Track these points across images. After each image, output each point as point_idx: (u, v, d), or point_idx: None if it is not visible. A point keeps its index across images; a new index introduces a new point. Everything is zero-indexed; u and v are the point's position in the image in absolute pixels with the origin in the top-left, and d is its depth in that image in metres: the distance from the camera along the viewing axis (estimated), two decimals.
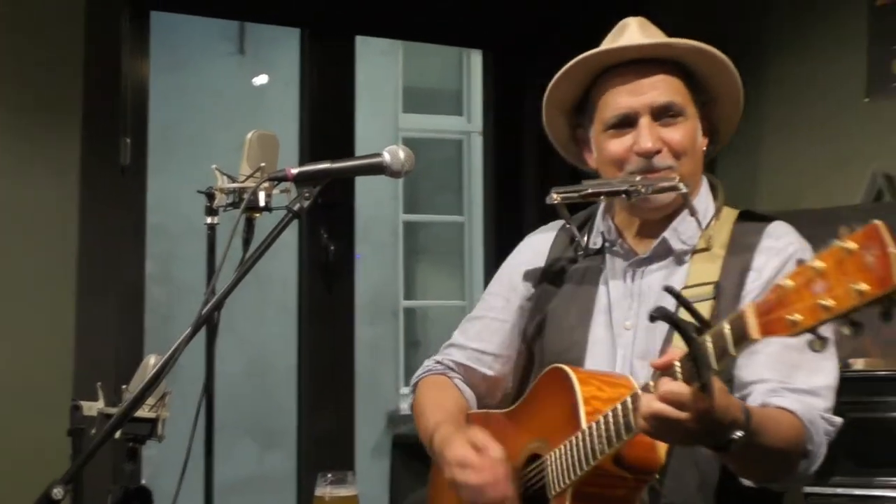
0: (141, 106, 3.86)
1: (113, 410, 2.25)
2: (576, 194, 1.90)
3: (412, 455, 5.59)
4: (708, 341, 1.47)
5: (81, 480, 2.10)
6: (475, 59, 6.20)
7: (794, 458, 1.72)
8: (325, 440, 4.05)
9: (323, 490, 2.05)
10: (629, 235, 1.95)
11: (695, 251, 1.87)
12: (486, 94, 4.75)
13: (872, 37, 4.24)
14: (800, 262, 1.34)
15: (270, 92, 6.30)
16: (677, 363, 1.52)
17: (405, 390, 6.84)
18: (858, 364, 4.03)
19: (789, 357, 1.73)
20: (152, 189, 3.95)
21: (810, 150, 4.35)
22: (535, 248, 2.08)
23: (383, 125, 6.51)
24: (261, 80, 6.36)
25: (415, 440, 6.28)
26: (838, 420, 1.77)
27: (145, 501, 2.23)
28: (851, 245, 1.31)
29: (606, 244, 1.97)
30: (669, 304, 1.80)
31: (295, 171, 1.85)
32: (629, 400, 1.63)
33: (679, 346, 1.53)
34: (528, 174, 4.46)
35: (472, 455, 1.82)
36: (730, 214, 1.92)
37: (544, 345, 1.98)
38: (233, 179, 2.62)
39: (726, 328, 1.45)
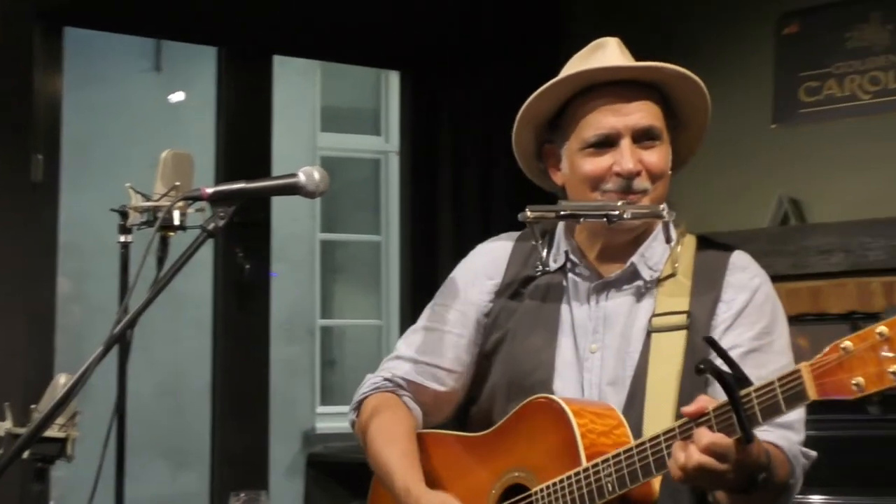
0: (53, 122, 3.82)
1: (21, 430, 2.23)
2: (552, 214, 1.87)
3: (327, 475, 5.57)
4: (755, 396, 1.52)
5: None
6: (393, 79, 6.23)
7: (782, 492, 1.75)
8: (238, 460, 4.02)
9: None
10: (591, 256, 1.94)
11: (661, 277, 1.88)
12: (402, 114, 4.78)
13: (779, 65, 4.36)
14: (855, 327, 1.44)
15: (187, 109, 6.26)
16: (711, 412, 1.56)
17: (321, 409, 6.82)
18: None
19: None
20: (65, 206, 3.91)
21: (719, 174, 4.45)
22: (492, 260, 2.01)
23: (301, 144, 6.50)
24: (177, 97, 6.31)
25: (330, 460, 6.24)
26: (813, 453, 1.81)
27: None
28: None
29: (568, 264, 1.95)
30: (639, 329, 1.84)
31: (210, 190, 1.84)
32: (647, 442, 1.65)
33: (704, 393, 1.61)
34: (444, 194, 4.49)
35: None
36: (689, 240, 1.93)
37: (506, 364, 1.93)
38: (147, 198, 2.62)
39: (777, 386, 1.50)
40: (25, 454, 2.14)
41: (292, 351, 6.49)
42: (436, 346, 1.99)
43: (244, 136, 4.17)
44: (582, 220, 1.85)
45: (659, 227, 1.92)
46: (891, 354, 1.37)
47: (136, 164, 5.48)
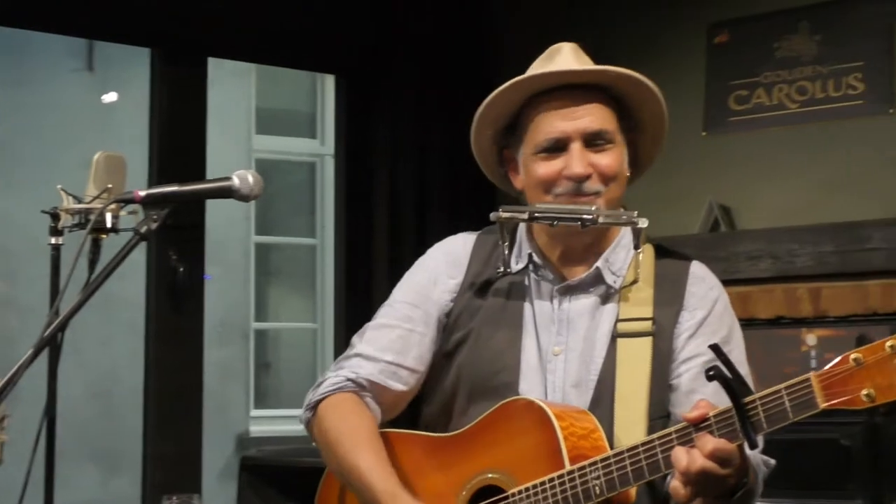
0: None
1: None
2: (525, 215, 1.87)
3: (261, 478, 5.54)
4: (760, 404, 1.57)
5: None
6: (329, 82, 6.23)
7: (749, 500, 1.77)
8: (171, 463, 4.00)
9: None
10: (554, 259, 1.94)
11: (624, 283, 1.90)
12: (338, 117, 4.78)
13: (710, 73, 4.43)
14: (862, 341, 1.50)
15: (120, 110, 6.21)
16: (713, 417, 1.60)
17: (255, 412, 6.79)
18: None
19: (724, 399, 1.73)
20: None
21: (650, 181, 4.46)
22: (453, 258, 1.99)
23: (236, 147, 6.47)
24: (110, 98, 6.25)
25: (264, 463, 6.22)
26: (773, 462, 1.85)
27: None
28: None
29: (531, 265, 1.95)
30: (603, 333, 1.87)
31: (143, 193, 1.83)
32: (641, 447, 1.67)
33: (710, 398, 1.65)
34: (380, 198, 4.50)
35: None
36: (648, 248, 1.94)
37: (468, 364, 1.92)
38: (79, 200, 2.60)
39: (784, 394, 1.55)
40: None
41: (226, 354, 6.45)
42: (399, 344, 1.94)
43: (178, 138, 4.14)
44: (556, 223, 1.85)
45: (622, 233, 1.94)
46: None
47: (66, 165, 5.43)
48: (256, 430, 6.67)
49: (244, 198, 1.88)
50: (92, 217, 2.60)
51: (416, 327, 1.95)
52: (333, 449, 1.89)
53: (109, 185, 2.62)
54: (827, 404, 1.52)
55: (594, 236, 1.92)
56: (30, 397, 2.77)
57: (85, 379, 5.85)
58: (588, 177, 1.87)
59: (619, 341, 1.85)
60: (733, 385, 1.58)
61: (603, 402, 1.82)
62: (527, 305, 1.92)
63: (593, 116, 1.89)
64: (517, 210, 1.87)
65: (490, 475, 1.81)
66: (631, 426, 1.77)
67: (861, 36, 4.14)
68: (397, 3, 4.51)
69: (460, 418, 1.90)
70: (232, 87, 6.44)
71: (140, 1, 4.01)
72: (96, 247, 2.56)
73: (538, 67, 1.96)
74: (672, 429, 1.65)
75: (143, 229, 1.81)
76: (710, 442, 1.58)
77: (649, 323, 1.84)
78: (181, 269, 4.02)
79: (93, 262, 2.47)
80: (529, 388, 1.87)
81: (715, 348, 1.64)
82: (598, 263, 1.91)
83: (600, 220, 1.83)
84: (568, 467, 1.72)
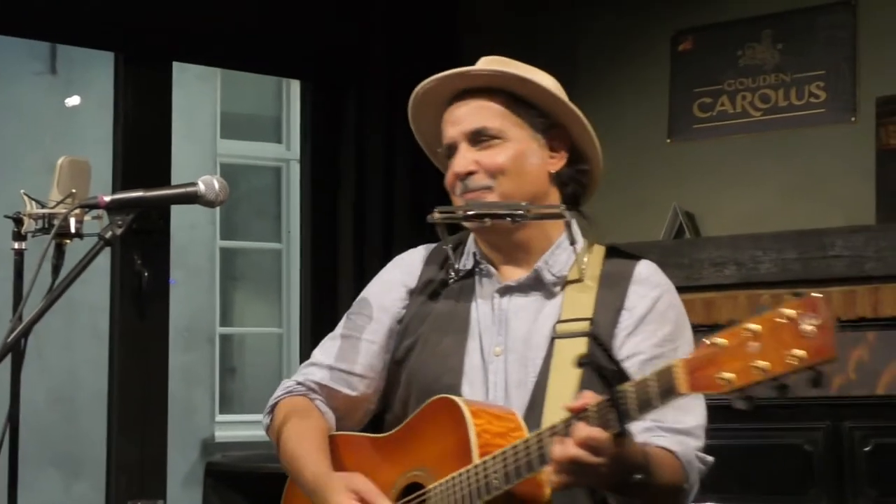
0: None
1: None
2: (459, 214, 1.90)
3: (226, 483, 5.52)
4: (631, 392, 1.55)
5: None
6: (294, 87, 6.21)
7: (674, 497, 1.78)
8: (135, 468, 3.97)
9: None
10: (497, 261, 1.97)
11: (567, 282, 1.91)
12: (303, 122, 4.78)
13: (675, 81, 4.46)
14: (731, 323, 1.44)
15: (83, 114, 6.16)
16: (592, 408, 1.59)
17: (220, 417, 6.76)
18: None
19: None
20: None
21: (615, 187, 4.51)
22: (406, 268, 2.05)
23: (201, 151, 6.44)
24: (73, 101, 6.20)
25: (229, 468, 6.21)
26: (710, 459, 1.84)
27: None
28: (790, 312, 1.39)
29: (477, 268, 1.98)
30: (543, 335, 1.87)
31: (107, 198, 1.82)
32: (533, 439, 1.68)
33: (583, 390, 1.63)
34: (346, 202, 4.50)
35: None
36: (599, 249, 1.96)
37: (416, 369, 1.96)
38: (42, 205, 2.58)
39: (652, 380, 1.53)
40: None
41: (191, 358, 6.42)
42: (348, 352, 2.01)
43: (143, 142, 4.12)
44: (487, 221, 1.88)
45: (563, 235, 1.94)
46: (758, 350, 1.40)
47: (28, 169, 5.38)
48: (221, 435, 6.63)
49: (210, 203, 1.88)
50: (56, 222, 2.58)
51: (366, 336, 2.00)
52: (282, 446, 1.97)
53: (73, 190, 2.60)
54: (689, 389, 1.49)
55: (530, 235, 1.93)
56: None
57: (47, 384, 5.81)
58: (471, 173, 1.91)
59: (557, 342, 1.86)
60: (605, 373, 1.59)
61: (538, 403, 1.84)
62: (473, 308, 1.95)
63: (474, 116, 1.93)
64: (451, 210, 1.91)
65: (415, 472, 1.85)
66: None
67: (823, 45, 4.19)
68: (365, 8, 4.51)
69: None
70: (196, 91, 6.41)
71: (104, 4, 3.99)
72: (60, 252, 2.54)
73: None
74: (561, 420, 1.65)
75: (108, 235, 1.80)
76: (582, 430, 1.58)
77: (587, 323, 1.85)
78: (146, 274, 3.99)
79: (56, 268, 2.46)
80: (472, 389, 1.89)
81: (592, 335, 1.67)
82: (538, 264, 1.93)
83: (527, 214, 1.86)
84: (475, 462, 1.74)
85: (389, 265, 2.09)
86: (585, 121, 1.95)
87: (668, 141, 4.47)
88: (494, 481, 1.71)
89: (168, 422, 4.07)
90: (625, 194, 4.50)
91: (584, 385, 1.80)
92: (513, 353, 1.89)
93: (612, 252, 1.96)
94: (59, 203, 2.59)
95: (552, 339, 1.87)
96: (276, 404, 2.03)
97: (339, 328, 2.05)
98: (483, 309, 1.94)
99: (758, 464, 3.85)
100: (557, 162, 1.95)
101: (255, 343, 7.16)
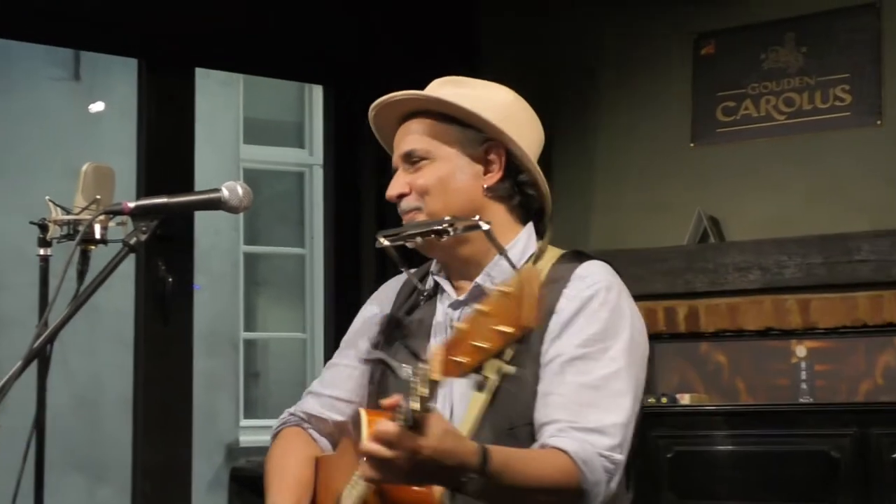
0: None
1: None
2: (396, 236, 1.93)
3: (250, 489, 5.54)
4: (415, 381, 1.53)
5: None
6: (316, 91, 6.22)
7: (565, 498, 1.73)
8: (159, 473, 3.98)
9: None
10: (453, 277, 1.99)
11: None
12: (326, 127, 4.78)
13: (697, 85, 4.44)
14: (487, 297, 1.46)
15: (106, 120, 6.19)
16: (401, 403, 1.58)
17: (244, 422, 6.78)
18: (685, 399, 4.19)
19: (583, 396, 1.76)
20: None
21: (638, 193, 4.51)
22: (385, 294, 2.11)
23: (224, 157, 6.46)
24: (97, 107, 6.23)
25: (253, 473, 6.20)
26: (619, 458, 1.76)
27: None
28: (508, 290, 1.43)
29: (438, 287, 2.01)
30: None
31: (132, 205, 1.82)
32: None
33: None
34: (368, 207, 4.50)
35: None
36: (552, 255, 1.95)
37: (384, 388, 1.99)
38: (67, 211, 2.59)
39: (421, 370, 1.52)
40: None
41: (215, 364, 6.44)
42: (335, 379, 2.07)
43: (166, 148, 4.13)
44: (419, 239, 1.91)
45: (509, 245, 1.94)
46: (483, 330, 1.44)
47: (52, 175, 5.41)
48: (246, 440, 6.65)
49: (233, 209, 1.88)
50: (81, 228, 2.58)
51: (350, 362, 2.07)
52: (265, 478, 2.05)
53: (98, 197, 2.61)
54: (438, 375, 1.49)
55: (475, 250, 1.94)
56: (17, 408, 2.76)
57: (72, 389, 5.83)
58: (403, 195, 1.95)
59: None
60: (391, 364, 1.60)
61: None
62: (433, 325, 1.99)
63: (406, 139, 1.98)
64: (392, 232, 1.95)
65: (353, 479, 1.88)
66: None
67: (848, 47, 4.16)
68: (386, 14, 4.51)
69: None
70: (219, 97, 6.43)
71: (127, 11, 4.01)
72: (85, 258, 2.55)
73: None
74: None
75: (132, 241, 1.81)
76: (375, 425, 1.59)
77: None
78: (170, 280, 4.01)
79: (81, 274, 2.46)
80: (463, 411, 1.91)
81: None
82: (479, 278, 1.94)
83: (450, 230, 1.87)
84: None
85: (376, 291, 2.15)
86: (510, 134, 1.94)
87: (692, 145, 4.45)
88: (367, 486, 1.72)
89: (192, 427, 4.08)
90: (648, 199, 4.49)
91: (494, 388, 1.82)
92: None
93: (566, 257, 1.95)
94: (83, 209, 2.60)
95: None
96: (274, 435, 2.11)
97: (334, 357, 2.13)
98: (437, 327, 1.97)
99: (784, 470, 3.82)
100: (493, 176, 1.95)
101: (279, 348, 7.17)
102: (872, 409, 3.87)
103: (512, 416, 1.80)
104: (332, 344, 4.46)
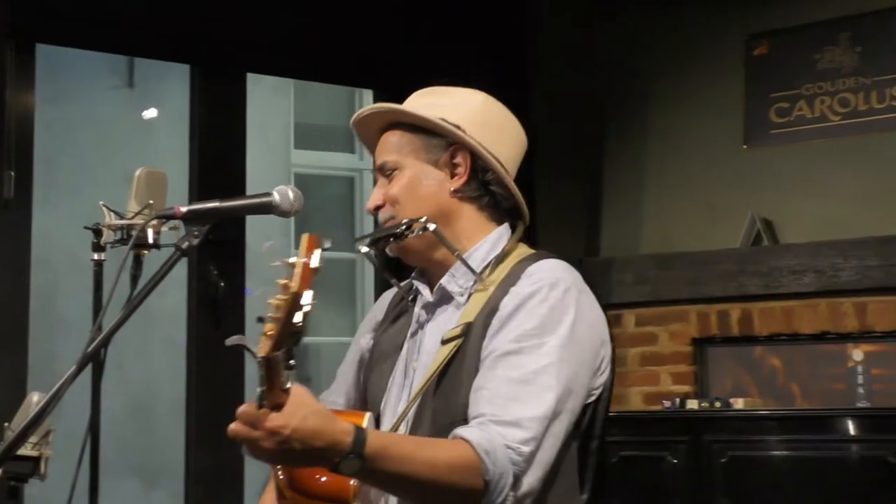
0: (26, 138, 3.80)
1: None
2: (368, 240, 1.98)
3: None
4: (260, 362, 1.59)
5: None
6: (367, 96, 6.24)
7: (464, 487, 1.72)
8: (212, 478, 4.00)
9: None
10: (432, 281, 2.03)
11: (474, 292, 1.94)
12: None
13: (750, 86, 4.40)
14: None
15: (159, 126, 6.24)
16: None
17: None
18: (739, 403, 4.14)
19: (510, 391, 1.78)
20: (34, 222, 3.88)
21: (691, 196, 4.48)
22: (383, 301, 2.16)
23: (274, 161, 6.49)
24: (150, 113, 6.29)
25: None
26: (526, 449, 1.74)
27: None
28: (291, 260, 1.54)
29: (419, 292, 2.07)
30: (437, 343, 1.93)
31: (184, 209, 1.84)
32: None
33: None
34: None
35: None
36: (517, 254, 1.99)
37: (366, 393, 2.07)
38: (120, 216, 2.61)
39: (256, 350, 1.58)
40: None
41: None
42: (338, 384, 2.14)
43: (218, 153, 4.16)
44: (393, 242, 1.97)
45: (476, 247, 1.98)
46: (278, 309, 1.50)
47: (106, 181, 5.46)
48: None
49: (284, 213, 1.89)
50: (134, 233, 2.61)
51: (349, 367, 2.13)
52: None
53: (151, 201, 2.63)
54: (261, 355, 1.55)
55: (445, 253, 1.97)
56: (72, 412, 2.78)
57: (126, 393, 5.88)
58: (379, 206, 2.01)
59: (441, 348, 1.90)
60: (252, 352, 1.60)
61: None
62: (409, 329, 2.04)
63: (379, 151, 2.04)
64: (367, 236, 2.00)
65: None
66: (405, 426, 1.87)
67: None
68: (435, 18, 4.52)
69: None
70: (270, 102, 6.47)
71: (180, 18, 4.04)
72: (138, 262, 2.57)
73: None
74: None
75: (185, 245, 1.82)
76: (241, 407, 1.64)
77: (463, 327, 1.88)
78: (222, 284, 4.03)
79: (135, 278, 2.49)
80: (390, 405, 1.97)
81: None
82: (443, 280, 1.98)
83: (407, 232, 1.93)
84: None
85: (376, 302, 2.22)
86: (475, 136, 1.98)
87: (745, 147, 4.41)
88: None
89: None
90: (700, 202, 4.45)
91: (440, 389, 1.87)
92: (421, 364, 1.95)
93: (530, 257, 1.97)
94: (136, 214, 2.62)
95: (440, 347, 1.92)
96: None
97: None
98: (412, 328, 2.02)
99: (840, 476, 3.77)
100: (459, 178, 1.99)
101: (330, 352, 7.19)
102: None
103: (452, 411, 1.83)
104: None
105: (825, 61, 4.26)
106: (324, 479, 1.74)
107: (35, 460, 2.25)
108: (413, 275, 2.06)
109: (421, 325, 2.00)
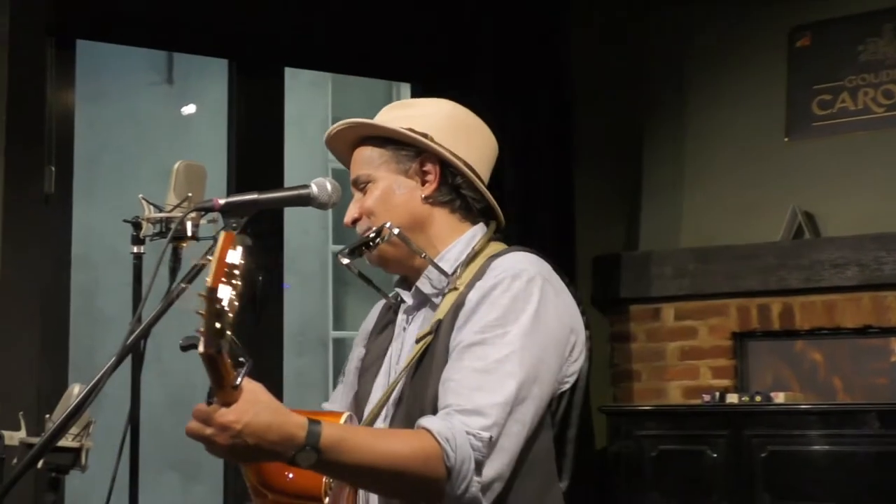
0: (66, 134, 3.82)
1: (35, 440, 2.23)
2: (347, 250, 2.02)
3: None
4: (203, 360, 1.60)
5: None
6: (404, 90, 6.24)
7: (426, 476, 1.73)
8: None
9: None
10: (411, 286, 2.07)
11: (448, 292, 1.97)
12: None
13: (792, 78, 4.35)
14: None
15: (198, 121, 6.28)
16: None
17: None
18: (779, 398, 4.11)
19: (475, 381, 1.79)
20: (75, 217, 3.91)
21: (732, 189, 4.44)
22: (373, 312, 2.19)
23: (312, 156, 6.51)
24: (189, 109, 6.33)
25: None
26: (485, 435, 1.75)
27: None
28: (212, 257, 1.56)
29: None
30: (413, 343, 1.97)
31: (222, 201, 1.84)
32: None
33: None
34: None
35: None
36: (490, 251, 2.01)
37: (356, 399, 2.09)
38: (159, 209, 2.62)
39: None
40: (39, 464, 2.14)
41: (305, 362, 6.49)
42: (336, 394, 2.17)
43: (256, 147, 4.17)
44: (371, 253, 2.01)
45: (447, 249, 2.00)
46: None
47: (146, 176, 5.50)
48: None
49: (322, 205, 1.89)
50: (172, 226, 2.62)
51: (346, 377, 2.15)
52: None
53: (189, 194, 2.64)
54: (200, 350, 1.57)
55: (421, 260, 2.00)
56: (112, 404, 2.81)
57: (165, 387, 5.92)
58: (356, 220, 2.03)
59: (414, 347, 1.94)
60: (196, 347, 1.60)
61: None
62: (394, 334, 2.07)
63: (353, 166, 2.06)
64: (347, 247, 2.03)
65: None
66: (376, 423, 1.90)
67: None
68: (472, 12, 4.50)
69: None
70: (308, 97, 6.48)
71: (218, 13, 4.06)
72: (176, 255, 2.59)
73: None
74: None
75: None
76: (196, 406, 1.65)
77: (431, 326, 1.91)
78: (260, 279, 4.05)
79: (174, 271, 2.50)
80: (371, 405, 1.99)
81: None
82: (418, 282, 2.01)
83: (378, 239, 1.98)
84: None
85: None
86: (442, 143, 2.01)
87: (786, 140, 4.36)
88: None
89: None
90: (741, 195, 4.41)
91: (407, 387, 1.90)
92: (401, 366, 1.97)
93: (499, 252, 1.99)
94: (175, 207, 2.64)
95: (414, 346, 1.95)
96: None
97: None
98: (397, 332, 2.05)
99: (882, 471, 3.73)
100: (430, 185, 2.02)
101: None
102: None
103: (423, 405, 1.85)
104: None
105: (868, 53, 4.21)
106: (291, 475, 1.75)
107: (76, 451, 2.26)
108: (395, 282, 2.10)
109: (403, 329, 2.03)
